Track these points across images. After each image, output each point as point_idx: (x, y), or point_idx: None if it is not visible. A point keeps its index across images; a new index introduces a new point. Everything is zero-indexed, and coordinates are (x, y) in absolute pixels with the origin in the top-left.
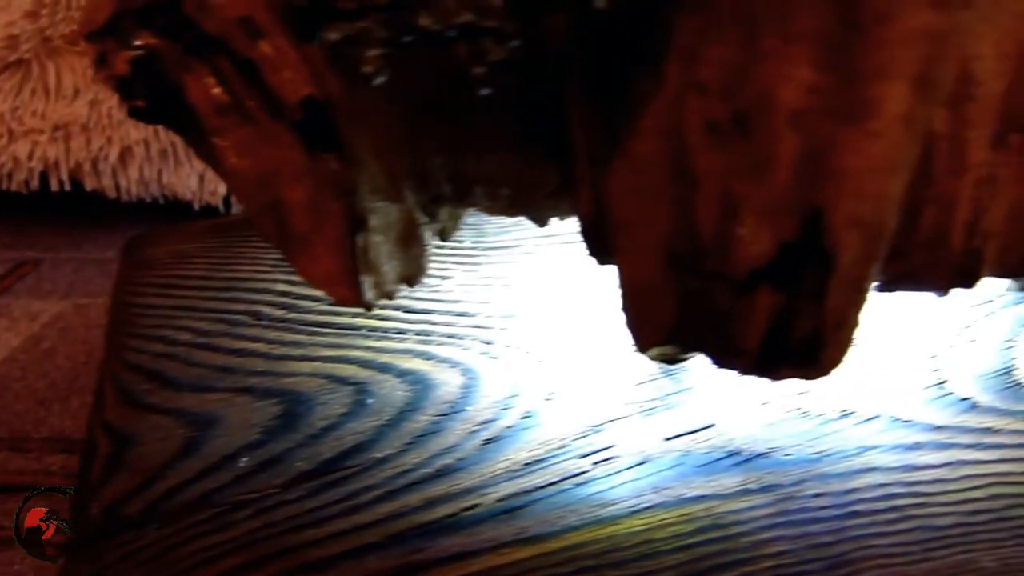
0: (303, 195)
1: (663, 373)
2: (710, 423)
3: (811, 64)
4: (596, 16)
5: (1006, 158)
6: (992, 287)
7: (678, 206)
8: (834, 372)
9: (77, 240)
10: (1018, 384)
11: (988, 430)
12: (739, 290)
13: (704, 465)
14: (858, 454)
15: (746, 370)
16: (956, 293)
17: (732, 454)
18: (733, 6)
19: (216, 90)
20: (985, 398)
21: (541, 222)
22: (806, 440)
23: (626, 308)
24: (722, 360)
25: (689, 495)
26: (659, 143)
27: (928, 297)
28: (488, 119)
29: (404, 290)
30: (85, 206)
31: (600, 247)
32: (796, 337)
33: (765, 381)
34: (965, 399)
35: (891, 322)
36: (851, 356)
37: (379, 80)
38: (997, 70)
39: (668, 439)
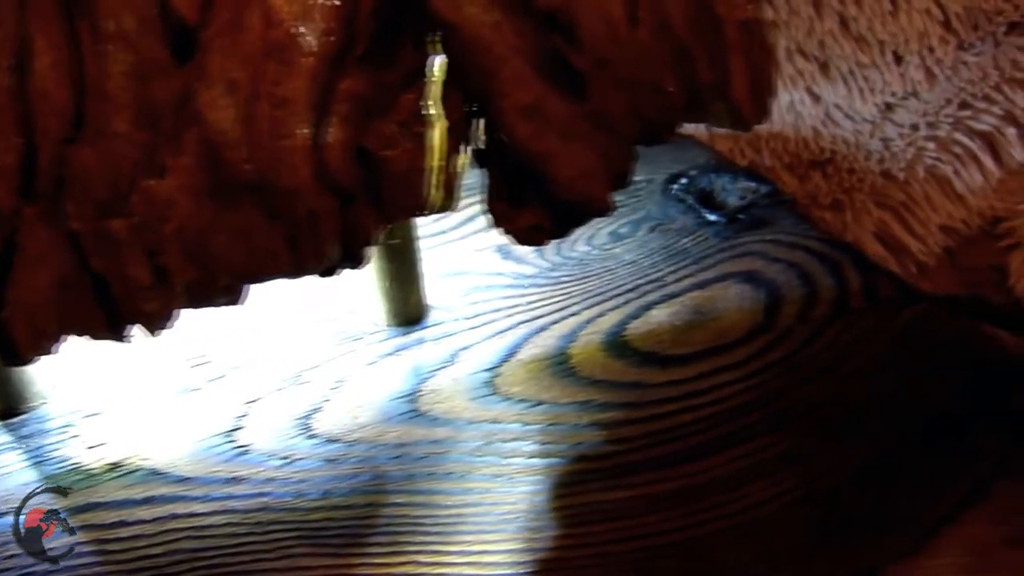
0: None
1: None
2: None
3: None
4: None
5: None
6: (360, 327)
7: None
8: None
9: None
10: (308, 428)
11: (233, 479)
12: None
13: None
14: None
15: None
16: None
17: None
18: None
19: None
20: (263, 443)
21: None
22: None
23: None
24: None
25: None
26: None
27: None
28: None
29: None
30: None
31: None
32: None
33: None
34: (242, 446)
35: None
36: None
37: None
38: None
39: None
